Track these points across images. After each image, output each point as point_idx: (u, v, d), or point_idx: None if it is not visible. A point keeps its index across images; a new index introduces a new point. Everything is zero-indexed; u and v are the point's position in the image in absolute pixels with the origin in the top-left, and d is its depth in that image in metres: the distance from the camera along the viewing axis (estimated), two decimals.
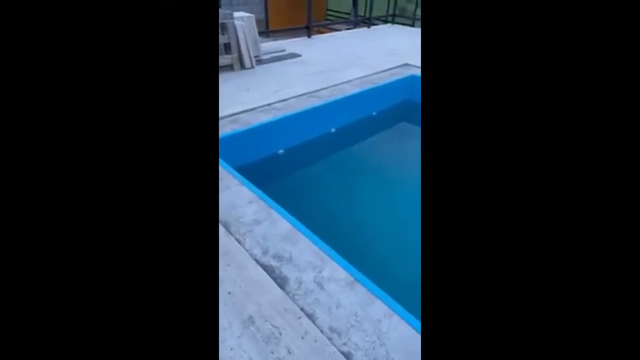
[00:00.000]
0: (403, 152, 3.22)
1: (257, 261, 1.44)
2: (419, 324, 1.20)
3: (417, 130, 3.68)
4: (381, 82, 3.45)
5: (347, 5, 6.66)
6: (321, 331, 1.16)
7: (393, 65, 3.84)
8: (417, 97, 3.70)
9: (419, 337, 1.15)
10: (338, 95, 3.14)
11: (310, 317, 1.21)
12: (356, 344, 1.13)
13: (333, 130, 3.19)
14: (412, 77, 3.66)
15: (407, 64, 3.87)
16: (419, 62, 3.87)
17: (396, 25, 5.92)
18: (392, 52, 4.32)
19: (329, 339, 1.14)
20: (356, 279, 1.36)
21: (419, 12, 7.17)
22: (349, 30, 5.71)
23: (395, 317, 1.22)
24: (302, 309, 1.23)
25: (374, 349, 1.12)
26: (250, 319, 1.20)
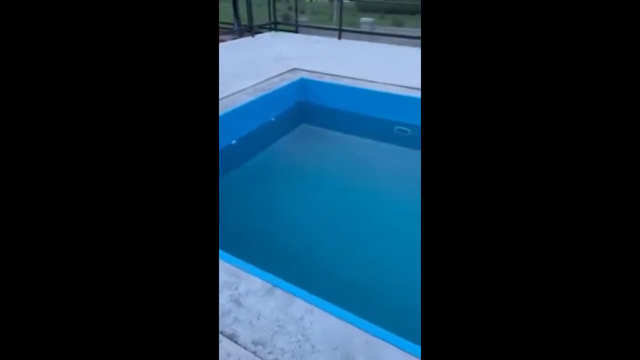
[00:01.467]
0: (309, 152, 3.34)
1: None
2: (339, 310, 1.26)
3: (317, 130, 3.86)
4: (274, 88, 3.50)
5: (229, 16, 6.57)
6: (244, 348, 1.13)
7: (282, 71, 3.94)
8: (309, 98, 3.88)
9: (341, 323, 1.21)
10: (233, 105, 3.07)
11: (231, 337, 1.16)
12: (282, 349, 1.12)
13: (234, 142, 3.11)
14: (302, 80, 3.82)
15: (295, 69, 4.02)
16: (306, 66, 4.06)
17: (280, 33, 6.08)
18: (279, 58, 4.43)
19: (254, 352, 1.11)
20: (274, 285, 1.36)
21: (300, 19, 7.51)
22: (234, 41, 5.63)
23: (317, 310, 1.25)
24: (221, 333, 1.17)
25: (299, 347, 1.13)
26: None
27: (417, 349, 1.13)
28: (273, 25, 6.21)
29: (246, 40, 5.58)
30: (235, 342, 1.14)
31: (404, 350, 1.12)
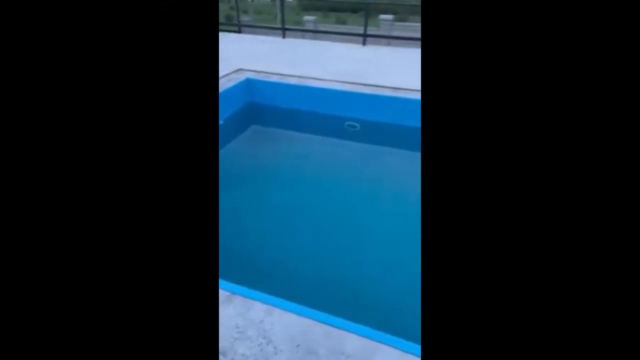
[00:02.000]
0: (262, 153, 3.29)
1: None
2: (298, 307, 1.27)
3: (268, 130, 3.82)
4: (220, 90, 3.40)
5: None
6: None
7: (228, 72, 3.84)
8: (256, 98, 3.83)
9: (301, 319, 1.23)
10: None
11: None
12: (244, 354, 1.11)
13: None
14: (248, 80, 3.76)
15: (240, 69, 3.94)
16: (251, 66, 3.99)
17: (222, 33, 5.90)
18: (223, 59, 4.29)
19: None
20: (232, 292, 1.33)
21: (243, 18, 7.35)
22: None
23: (276, 311, 1.25)
24: None
25: (261, 350, 1.12)
26: None
27: (376, 334, 1.18)
28: None
29: None
30: None
31: (363, 336, 1.17)
